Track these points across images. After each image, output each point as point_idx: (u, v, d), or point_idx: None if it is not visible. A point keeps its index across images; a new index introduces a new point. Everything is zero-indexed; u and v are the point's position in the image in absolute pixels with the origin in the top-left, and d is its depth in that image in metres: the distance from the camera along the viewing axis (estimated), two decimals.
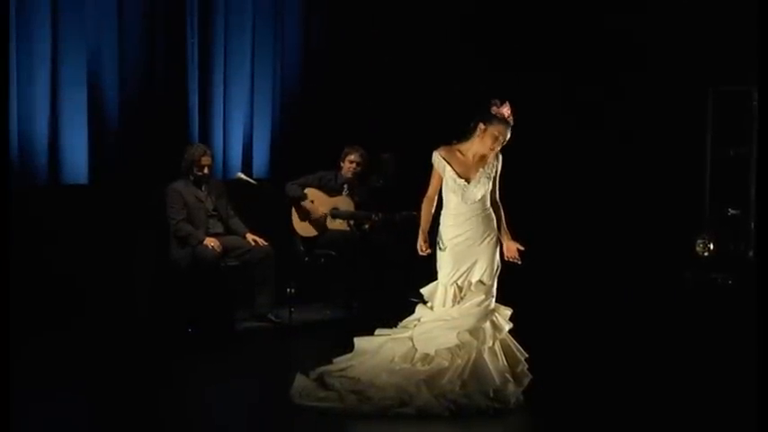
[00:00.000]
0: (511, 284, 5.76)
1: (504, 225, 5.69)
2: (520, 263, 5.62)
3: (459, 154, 5.62)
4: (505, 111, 5.52)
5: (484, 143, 5.56)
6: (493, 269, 5.63)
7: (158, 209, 7.42)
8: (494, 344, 5.55)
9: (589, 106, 8.57)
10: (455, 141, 5.65)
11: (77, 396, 5.70)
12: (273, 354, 7.04)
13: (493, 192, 5.66)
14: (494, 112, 5.53)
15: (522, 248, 5.60)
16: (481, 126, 5.55)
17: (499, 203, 5.70)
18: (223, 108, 8.32)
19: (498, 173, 5.65)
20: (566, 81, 8.64)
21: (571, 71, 8.64)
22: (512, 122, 5.51)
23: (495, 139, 5.52)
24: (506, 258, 5.64)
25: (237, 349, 6.96)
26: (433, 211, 5.66)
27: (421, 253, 5.65)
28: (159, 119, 7.83)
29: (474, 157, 5.60)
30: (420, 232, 5.66)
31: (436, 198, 5.67)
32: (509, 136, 5.52)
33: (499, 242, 5.65)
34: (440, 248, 5.60)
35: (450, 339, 5.50)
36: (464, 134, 5.61)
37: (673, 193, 8.30)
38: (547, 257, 8.12)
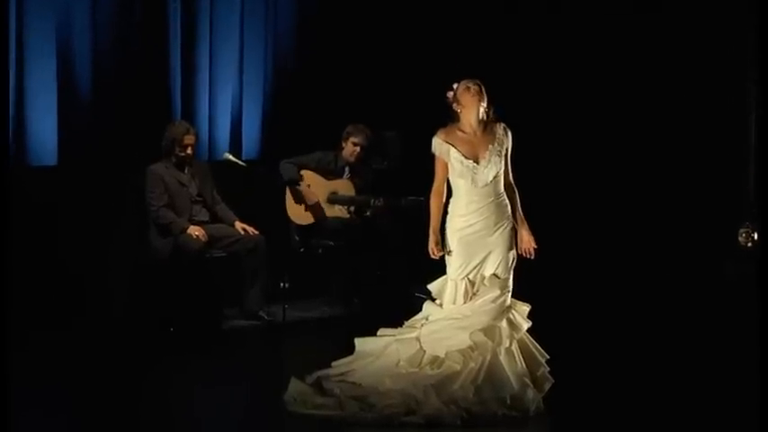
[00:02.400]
0: (529, 278, 5.77)
1: (520, 211, 5.71)
2: (532, 257, 5.65)
3: (460, 132, 5.65)
4: (457, 89, 5.64)
5: (468, 108, 5.62)
6: (508, 261, 5.64)
7: (136, 194, 7.44)
8: (511, 344, 5.55)
9: (624, 88, 8.56)
10: (450, 122, 5.69)
11: (46, 405, 5.69)
12: (265, 356, 7.06)
13: (505, 173, 5.68)
14: (450, 97, 5.66)
15: (535, 246, 5.65)
16: (455, 102, 5.65)
17: (514, 186, 5.72)
18: (209, 81, 8.32)
19: (510, 150, 5.67)
20: (602, 58, 8.63)
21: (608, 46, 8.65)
22: (471, 83, 5.59)
23: (472, 99, 5.59)
24: (519, 251, 5.66)
25: (225, 351, 6.98)
26: (443, 205, 5.66)
27: (433, 256, 5.65)
28: (137, 94, 7.82)
29: (476, 131, 5.62)
30: (431, 232, 5.65)
31: (446, 190, 5.68)
32: (482, 88, 5.59)
33: (514, 231, 5.67)
34: (447, 252, 5.63)
35: (462, 340, 5.51)
36: (453, 116, 5.69)
37: (714, 179, 8.29)
38: (569, 248, 8.18)
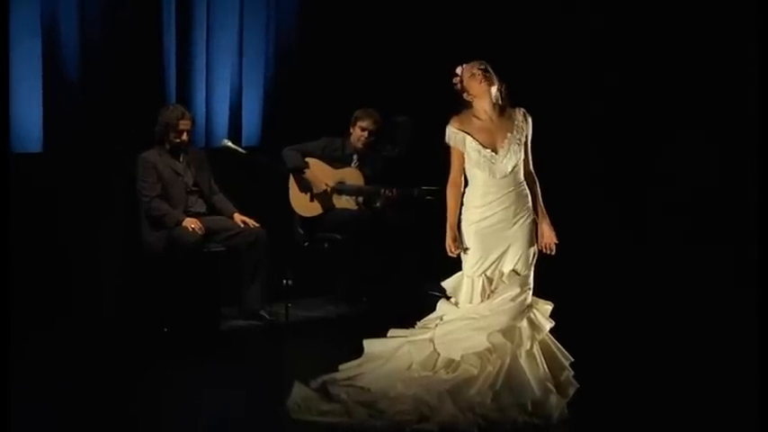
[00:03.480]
0: (551, 274, 5.75)
1: (541, 203, 5.70)
2: (553, 253, 5.63)
3: (476, 119, 5.65)
4: (462, 75, 5.63)
5: (479, 97, 5.60)
6: (529, 256, 5.63)
7: (127, 184, 7.45)
8: (532, 346, 5.54)
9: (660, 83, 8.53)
10: (463, 108, 5.68)
11: (30, 412, 5.64)
12: (267, 359, 7.03)
13: (525, 162, 5.67)
14: (458, 84, 5.65)
15: (556, 241, 5.64)
16: (464, 91, 5.64)
17: (534, 176, 5.70)
18: (206, 62, 8.33)
19: (529, 138, 5.66)
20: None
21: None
22: (476, 68, 5.58)
23: (480, 86, 5.58)
24: (539, 246, 5.65)
25: (223, 353, 6.97)
26: (460, 199, 5.65)
27: (450, 254, 5.64)
28: (128, 76, 7.81)
29: (492, 117, 5.60)
30: (448, 228, 5.64)
31: (463, 182, 5.67)
32: (489, 71, 5.57)
33: (535, 224, 5.66)
34: (462, 251, 5.62)
35: (480, 342, 5.50)
36: (464, 104, 5.69)
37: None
38: (592, 242, 8.15)
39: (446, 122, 5.68)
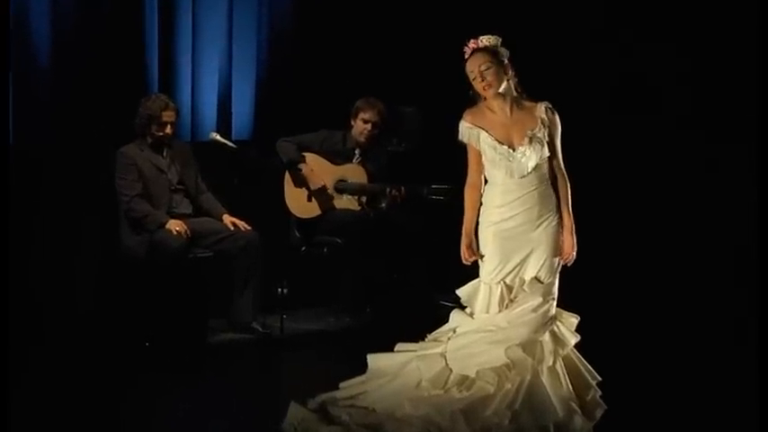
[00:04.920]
0: (576, 283, 5.72)
1: (569, 207, 5.64)
2: (569, 265, 5.61)
3: (490, 113, 5.64)
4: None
5: (480, 90, 5.59)
6: (553, 263, 5.60)
7: (105, 181, 7.43)
8: (555, 362, 5.50)
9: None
10: (477, 100, 5.67)
11: None
12: (260, 376, 7.02)
13: (553, 159, 5.62)
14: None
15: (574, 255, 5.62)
16: (471, 89, 5.64)
17: (565, 176, 5.65)
18: (192, 48, 8.35)
19: (557, 134, 5.62)
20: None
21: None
22: (474, 65, 5.56)
23: (478, 83, 5.57)
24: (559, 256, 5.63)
25: (212, 370, 6.96)
26: (479, 202, 5.65)
27: (465, 261, 5.65)
28: (106, 62, 7.82)
29: (508, 112, 5.59)
30: (463, 233, 5.65)
31: (482, 183, 5.66)
32: (490, 61, 5.53)
33: (561, 227, 5.64)
34: (479, 256, 5.63)
35: (497, 356, 5.47)
36: (477, 94, 5.68)
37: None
38: (622, 250, 8.13)
39: (458, 114, 5.67)
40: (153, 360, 7.05)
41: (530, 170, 5.55)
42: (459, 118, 5.64)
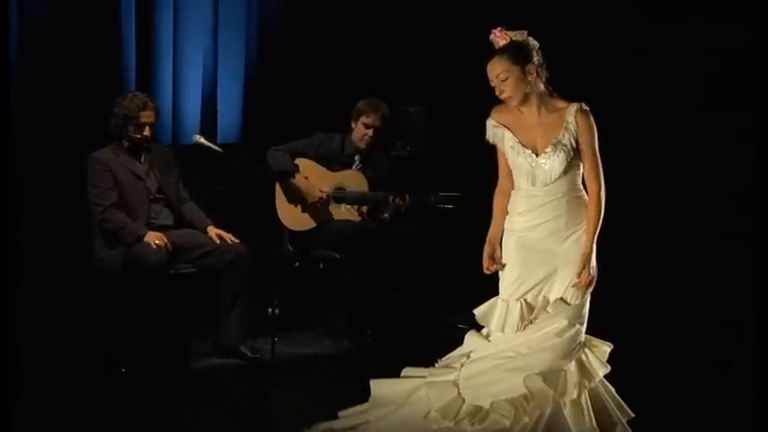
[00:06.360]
0: (607, 304, 5.67)
1: (595, 227, 5.51)
2: (579, 288, 5.51)
3: (519, 112, 5.62)
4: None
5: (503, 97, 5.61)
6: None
7: (76, 189, 7.41)
8: (580, 395, 5.45)
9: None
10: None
11: None
12: (249, 404, 7.01)
13: (588, 163, 5.54)
14: None
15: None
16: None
17: (595, 188, 5.55)
18: (173, 41, 8.39)
19: (589, 141, 5.53)
20: None
21: None
22: (494, 62, 5.53)
23: (492, 82, 5.56)
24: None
25: (195, 398, 6.93)
26: (506, 208, 5.68)
27: (486, 271, 5.67)
28: (78, 57, 7.81)
29: (535, 112, 5.56)
30: (486, 241, 5.68)
31: (512, 188, 5.67)
32: (501, 67, 5.50)
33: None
34: (501, 267, 5.64)
35: (514, 386, 5.45)
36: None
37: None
38: (660, 269, 8.10)
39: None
40: (129, 389, 6.99)
41: (554, 179, 5.52)
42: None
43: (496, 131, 5.58)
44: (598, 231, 5.50)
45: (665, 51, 8.57)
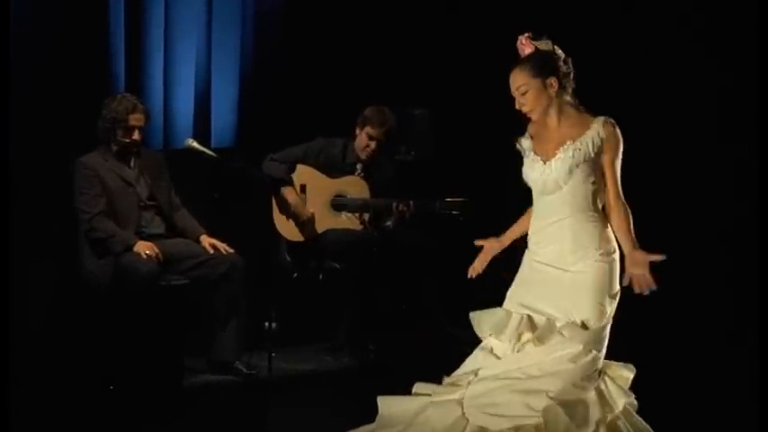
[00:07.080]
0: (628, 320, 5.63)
1: (632, 238, 5.45)
2: (646, 293, 5.41)
3: (544, 123, 5.62)
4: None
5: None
6: (603, 306, 5.46)
7: (63, 196, 7.40)
8: (598, 428, 5.36)
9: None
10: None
11: None
12: (244, 423, 6.97)
13: (611, 180, 5.50)
14: None
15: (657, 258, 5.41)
16: None
17: (622, 207, 5.50)
18: (164, 41, 8.43)
19: (611, 151, 5.49)
20: None
21: None
22: (516, 72, 5.55)
23: (513, 94, 5.58)
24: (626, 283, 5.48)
25: (188, 417, 6.90)
26: (527, 219, 5.71)
27: (469, 274, 5.77)
28: (65, 57, 7.83)
29: (557, 124, 5.56)
30: (483, 249, 5.75)
31: None
32: (522, 80, 5.52)
33: (613, 263, 5.49)
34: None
35: (522, 409, 5.37)
36: None
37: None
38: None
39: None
40: (117, 408, 6.97)
41: (558, 186, 5.47)
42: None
43: (525, 140, 5.61)
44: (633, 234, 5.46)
45: (672, 58, 8.61)
